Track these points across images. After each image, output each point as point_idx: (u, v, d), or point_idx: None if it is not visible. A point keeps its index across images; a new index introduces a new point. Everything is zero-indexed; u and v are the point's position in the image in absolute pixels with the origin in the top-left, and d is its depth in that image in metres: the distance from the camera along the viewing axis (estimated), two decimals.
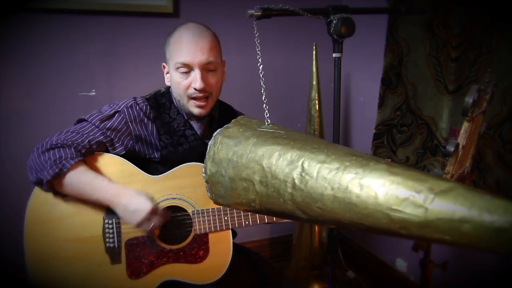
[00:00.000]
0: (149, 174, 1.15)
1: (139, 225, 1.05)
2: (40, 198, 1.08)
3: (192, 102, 1.14)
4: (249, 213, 1.16)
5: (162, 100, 1.20)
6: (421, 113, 1.77)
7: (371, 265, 2.27)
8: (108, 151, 1.15)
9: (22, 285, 1.71)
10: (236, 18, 1.98)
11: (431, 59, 1.67)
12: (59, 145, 1.06)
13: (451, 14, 1.56)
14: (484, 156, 1.47)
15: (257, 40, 0.84)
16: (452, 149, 0.76)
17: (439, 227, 0.44)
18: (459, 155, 0.80)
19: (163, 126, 1.18)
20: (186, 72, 1.11)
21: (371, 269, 2.27)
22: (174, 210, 1.16)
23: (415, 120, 1.80)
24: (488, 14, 1.42)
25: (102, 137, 1.11)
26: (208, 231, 1.14)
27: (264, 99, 0.82)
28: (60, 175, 1.03)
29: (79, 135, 1.09)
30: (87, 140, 1.09)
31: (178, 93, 1.15)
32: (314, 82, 2.00)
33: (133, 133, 1.15)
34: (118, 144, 1.14)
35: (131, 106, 1.16)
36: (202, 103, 1.14)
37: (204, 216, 1.14)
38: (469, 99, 0.77)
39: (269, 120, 0.83)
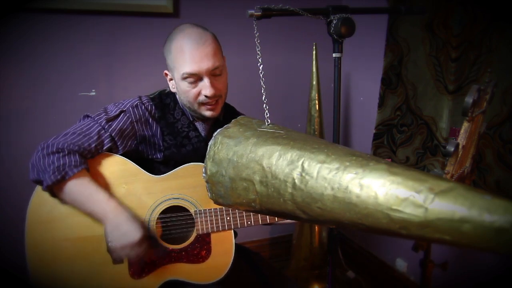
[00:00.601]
0: (152, 174, 1.15)
1: (118, 249, 1.02)
2: (41, 198, 1.08)
3: (204, 107, 1.14)
4: (251, 213, 1.15)
5: (166, 101, 1.20)
6: (421, 113, 1.77)
7: (371, 265, 2.27)
8: (111, 151, 1.14)
9: (22, 285, 1.71)
10: (236, 18, 1.98)
11: (431, 59, 1.67)
12: (65, 150, 1.04)
13: (451, 14, 1.56)
14: (484, 156, 1.47)
15: (257, 40, 0.84)
16: (452, 149, 0.76)
17: (439, 227, 0.44)
18: (459, 155, 0.80)
19: (167, 127, 1.17)
20: (194, 81, 1.10)
21: (371, 269, 2.27)
22: (177, 210, 1.15)
23: (415, 120, 1.80)
24: (488, 14, 1.42)
25: (107, 139, 1.10)
26: (210, 231, 1.14)
27: (264, 99, 0.82)
28: (61, 182, 1.02)
29: (86, 138, 1.08)
30: (93, 145, 1.08)
31: (187, 100, 1.14)
32: (314, 82, 2.00)
33: (137, 134, 1.15)
34: (122, 146, 1.14)
35: (136, 105, 1.15)
36: (213, 106, 1.15)
37: (207, 216, 1.14)
38: (469, 99, 0.77)
39: (269, 120, 0.83)
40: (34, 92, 1.80)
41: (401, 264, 2.06)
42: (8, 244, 1.78)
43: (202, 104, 1.14)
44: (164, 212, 1.14)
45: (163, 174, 1.15)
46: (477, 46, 1.48)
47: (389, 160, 0.88)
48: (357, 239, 2.41)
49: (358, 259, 2.37)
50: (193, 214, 1.14)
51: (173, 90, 1.19)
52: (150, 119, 1.16)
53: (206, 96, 1.11)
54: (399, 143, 1.89)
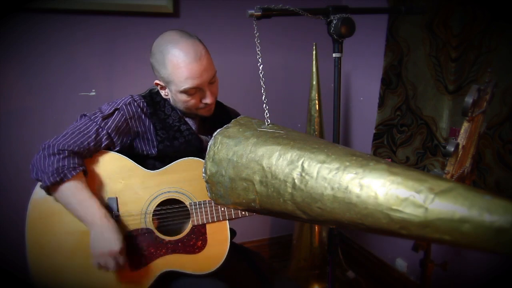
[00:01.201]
0: (147, 169, 1.18)
1: (97, 257, 1.06)
2: (42, 193, 1.11)
3: (201, 110, 1.20)
4: None
5: (157, 98, 1.23)
6: (421, 113, 1.77)
7: (371, 265, 2.27)
8: (107, 148, 1.19)
9: (21, 284, 1.71)
10: (236, 18, 1.98)
11: (431, 59, 1.67)
12: (65, 151, 1.08)
13: (451, 14, 1.56)
14: (484, 156, 1.47)
15: (257, 40, 0.84)
16: (452, 149, 0.76)
17: (439, 227, 0.44)
18: (459, 155, 0.80)
19: (159, 122, 1.21)
20: (194, 93, 1.14)
21: (371, 269, 2.27)
22: (173, 203, 1.19)
23: (415, 120, 1.80)
24: (488, 14, 1.42)
25: (105, 137, 1.14)
26: (205, 222, 1.17)
27: (264, 99, 0.82)
28: (59, 183, 1.06)
29: (85, 137, 1.11)
30: (92, 143, 1.12)
31: (185, 107, 1.18)
32: (314, 82, 2.00)
33: (132, 130, 1.18)
34: (118, 143, 1.18)
35: (129, 103, 1.18)
36: (210, 107, 1.20)
37: (201, 208, 1.17)
38: (469, 99, 0.77)
39: (269, 120, 0.83)
40: (34, 92, 1.80)
41: (401, 264, 2.06)
42: (8, 244, 1.78)
43: (200, 109, 1.19)
44: (160, 205, 1.17)
45: (158, 169, 1.19)
46: (477, 46, 1.48)
47: (389, 160, 0.88)
48: (357, 239, 2.41)
49: (358, 259, 2.37)
50: (188, 206, 1.17)
51: (165, 97, 1.22)
52: (143, 116, 1.19)
53: (206, 103, 1.16)
54: (399, 143, 1.89)
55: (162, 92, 1.21)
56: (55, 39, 1.78)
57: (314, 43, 1.98)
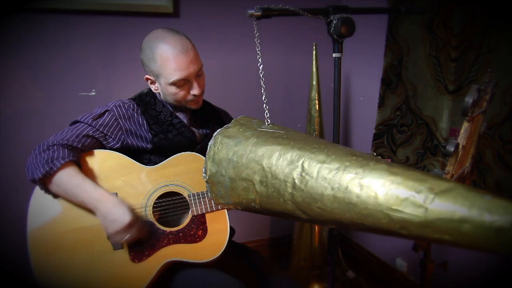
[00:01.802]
0: (144, 165, 1.21)
1: (113, 235, 1.08)
2: (41, 193, 1.12)
3: (190, 102, 1.25)
4: None
5: (146, 99, 1.29)
6: (421, 113, 1.77)
7: (371, 265, 2.27)
8: (103, 147, 1.22)
9: (22, 284, 1.71)
10: (236, 18, 1.98)
11: (431, 59, 1.67)
12: (54, 145, 1.11)
13: (451, 14, 1.56)
14: (484, 156, 1.47)
15: (257, 40, 0.84)
16: (452, 149, 0.76)
17: (439, 227, 0.44)
18: (459, 155, 0.80)
19: (152, 118, 1.25)
20: (182, 85, 1.20)
21: (371, 269, 2.27)
22: (172, 195, 1.22)
23: (415, 120, 1.80)
24: (488, 14, 1.42)
25: (96, 133, 1.18)
26: (204, 212, 1.20)
27: (264, 99, 0.82)
28: (50, 173, 1.07)
29: (73, 132, 1.16)
30: (81, 135, 1.16)
31: (175, 100, 1.24)
32: (314, 82, 2.00)
33: (123, 128, 1.22)
34: (111, 139, 1.21)
35: (119, 105, 1.23)
36: (198, 99, 1.26)
37: (200, 198, 1.20)
38: (469, 99, 0.77)
39: (269, 120, 0.83)
40: (33, 92, 1.80)
41: (401, 264, 2.06)
42: (8, 244, 1.78)
43: (189, 101, 1.24)
44: (160, 198, 1.20)
45: (155, 164, 1.22)
46: (477, 46, 1.48)
47: (389, 160, 0.89)
48: (357, 239, 2.41)
49: (358, 259, 2.37)
50: (187, 197, 1.20)
51: (155, 91, 1.28)
52: (135, 114, 1.24)
53: (194, 95, 1.22)
54: (399, 143, 1.89)
55: (152, 87, 1.27)
56: (55, 39, 1.78)
57: (314, 43, 1.98)
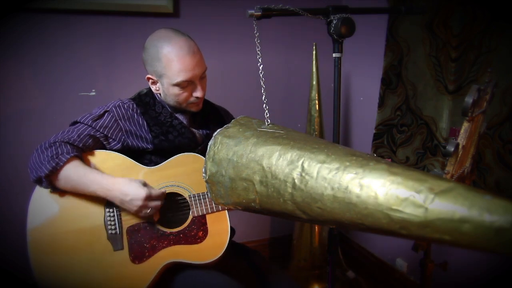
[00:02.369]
0: (145, 166, 1.21)
1: (138, 212, 1.11)
2: (41, 194, 1.13)
3: (191, 105, 1.25)
4: None
5: (146, 99, 1.28)
6: (421, 113, 1.77)
7: (371, 265, 2.27)
8: (104, 148, 1.22)
9: (22, 284, 1.71)
10: (236, 18, 1.98)
11: (431, 59, 1.67)
12: (57, 142, 1.12)
13: (451, 14, 1.56)
14: (484, 156, 1.47)
15: (257, 40, 0.84)
16: (452, 149, 0.76)
17: (439, 227, 0.44)
18: (459, 155, 0.80)
19: (152, 120, 1.25)
20: (185, 86, 1.20)
21: (371, 269, 2.27)
22: (172, 196, 1.22)
23: (415, 120, 1.80)
24: (488, 14, 1.42)
25: (97, 133, 1.18)
26: (205, 213, 1.19)
27: (264, 99, 0.82)
28: (57, 169, 1.08)
29: (74, 132, 1.16)
30: (82, 135, 1.16)
31: (176, 101, 1.23)
32: (314, 82, 2.00)
33: (123, 129, 1.21)
34: (111, 139, 1.21)
35: (119, 105, 1.23)
36: (199, 102, 1.26)
37: (201, 199, 1.20)
38: (469, 99, 0.77)
39: (269, 120, 0.83)
40: (34, 92, 1.80)
41: (401, 264, 2.06)
42: (8, 244, 1.78)
43: (190, 103, 1.24)
44: None
45: (155, 164, 1.22)
46: (477, 46, 1.48)
47: (389, 160, 0.89)
48: (357, 239, 2.41)
49: (358, 259, 2.37)
50: (188, 198, 1.20)
51: (156, 92, 1.27)
52: (135, 115, 1.24)
53: (197, 97, 1.22)
54: (399, 143, 1.89)
55: (153, 87, 1.26)
56: (55, 39, 1.78)
57: (314, 43, 1.98)
